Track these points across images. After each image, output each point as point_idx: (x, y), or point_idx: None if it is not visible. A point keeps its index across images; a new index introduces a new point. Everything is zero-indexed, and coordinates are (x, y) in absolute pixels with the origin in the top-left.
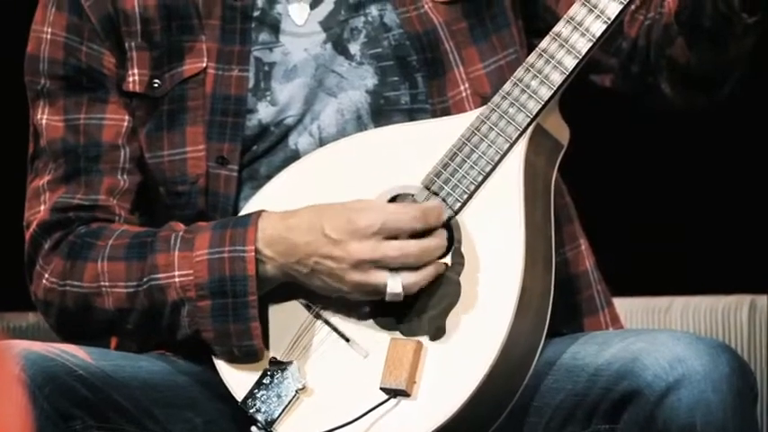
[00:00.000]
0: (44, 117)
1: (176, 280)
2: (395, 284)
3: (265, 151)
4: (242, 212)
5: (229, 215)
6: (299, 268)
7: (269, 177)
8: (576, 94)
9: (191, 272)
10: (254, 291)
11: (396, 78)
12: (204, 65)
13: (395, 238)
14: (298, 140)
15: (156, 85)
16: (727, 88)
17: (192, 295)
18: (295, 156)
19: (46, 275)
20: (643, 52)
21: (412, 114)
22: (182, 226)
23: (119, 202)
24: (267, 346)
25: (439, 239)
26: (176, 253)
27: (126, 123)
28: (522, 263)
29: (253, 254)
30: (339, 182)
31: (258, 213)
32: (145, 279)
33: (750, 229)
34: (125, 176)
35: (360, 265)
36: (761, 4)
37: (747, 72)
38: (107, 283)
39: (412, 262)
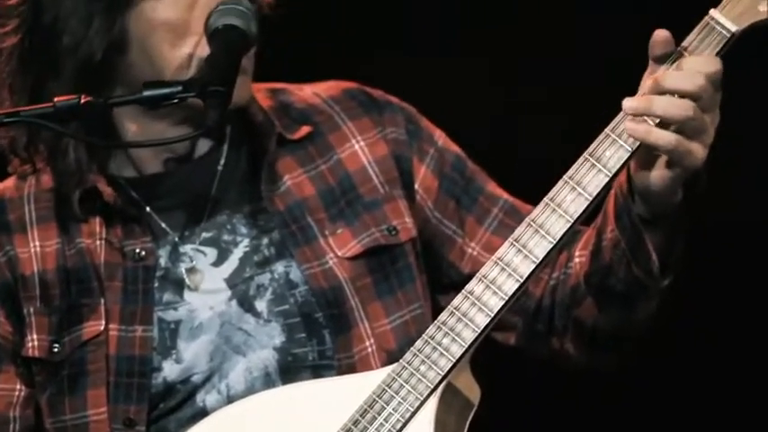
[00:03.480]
0: None
1: None
2: None
3: (173, 409)
4: None
5: None
6: None
7: None
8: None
9: None
10: None
11: (302, 335)
12: (102, 327)
13: None
14: (206, 398)
15: (55, 349)
16: (631, 348)
17: None
18: (203, 413)
19: None
20: (547, 312)
21: (318, 371)
22: None
23: None
24: None
25: None
26: None
27: (17, 393)
28: None
29: None
30: None
31: None
32: None
33: None
34: None
35: None
36: (674, 267)
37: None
38: None
39: None
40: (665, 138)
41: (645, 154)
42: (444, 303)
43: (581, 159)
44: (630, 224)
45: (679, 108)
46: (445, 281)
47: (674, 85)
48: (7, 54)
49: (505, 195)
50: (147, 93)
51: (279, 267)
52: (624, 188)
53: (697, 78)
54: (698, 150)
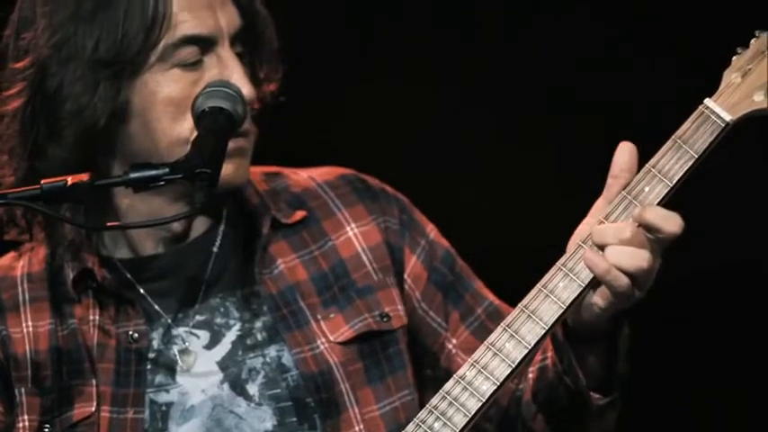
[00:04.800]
0: None
1: None
2: None
3: None
4: None
5: None
6: None
7: None
8: None
9: None
10: None
11: (294, 419)
12: (93, 409)
13: None
14: None
15: (46, 430)
16: None
17: None
18: None
19: None
20: (513, 423)
21: None
22: None
23: None
24: None
25: None
26: None
27: None
28: None
29: None
30: None
31: None
32: None
33: None
34: None
35: None
36: (614, 385)
37: None
38: None
39: None
40: (621, 281)
41: None
42: (423, 399)
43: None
44: (561, 344)
45: (635, 258)
46: (427, 372)
47: (618, 261)
48: (10, 117)
49: (491, 297)
50: (133, 175)
51: (271, 351)
52: None
53: (641, 253)
54: (636, 296)
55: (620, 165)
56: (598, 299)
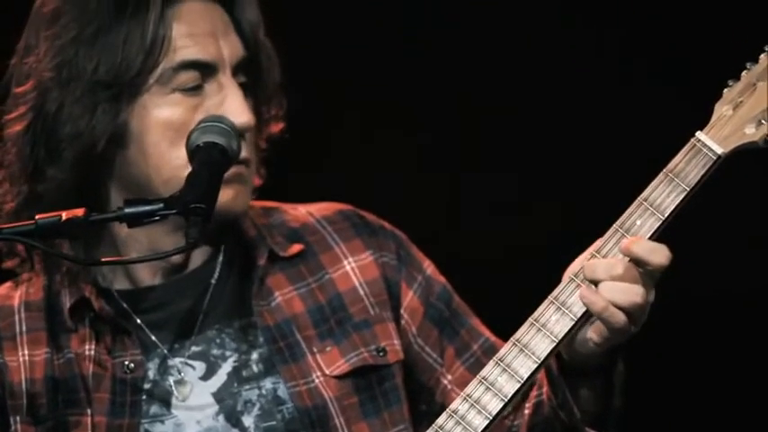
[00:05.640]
0: None
1: None
2: None
3: None
4: None
5: None
6: None
7: None
8: None
9: None
10: None
11: None
12: None
13: None
14: None
15: None
16: None
17: None
18: None
19: None
20: None
21: None
22: None
23: None
24: None
25: None
26: None
27: None
28: None
29: None
30: None
31: None
32: None
33: None
34: None
35: None
36: (609, 420)
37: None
38: None
39: None
40: (618, 318)
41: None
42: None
43: (528, 322)
44: (556, 378)
45: (628, 294)
46: (423, 408)
47: (612, 297)
48: (12, 141)
49: (487, 333)
50: (128, 210)
51: (267, 383)
52: None
53: (634, 289)
54: (631, 331)
55: None
56: (593, 334)
